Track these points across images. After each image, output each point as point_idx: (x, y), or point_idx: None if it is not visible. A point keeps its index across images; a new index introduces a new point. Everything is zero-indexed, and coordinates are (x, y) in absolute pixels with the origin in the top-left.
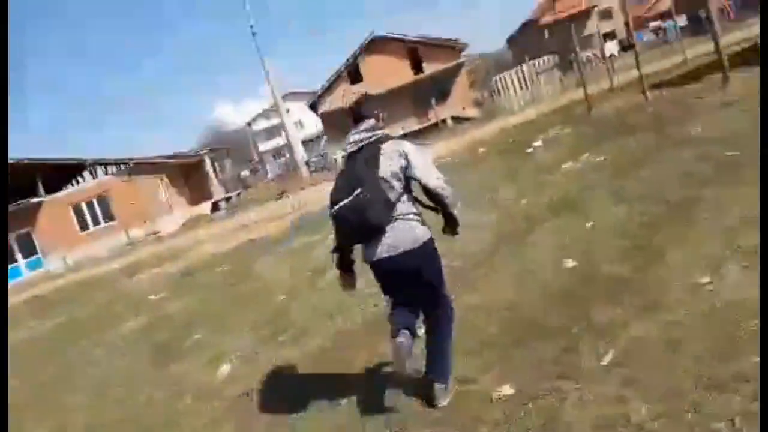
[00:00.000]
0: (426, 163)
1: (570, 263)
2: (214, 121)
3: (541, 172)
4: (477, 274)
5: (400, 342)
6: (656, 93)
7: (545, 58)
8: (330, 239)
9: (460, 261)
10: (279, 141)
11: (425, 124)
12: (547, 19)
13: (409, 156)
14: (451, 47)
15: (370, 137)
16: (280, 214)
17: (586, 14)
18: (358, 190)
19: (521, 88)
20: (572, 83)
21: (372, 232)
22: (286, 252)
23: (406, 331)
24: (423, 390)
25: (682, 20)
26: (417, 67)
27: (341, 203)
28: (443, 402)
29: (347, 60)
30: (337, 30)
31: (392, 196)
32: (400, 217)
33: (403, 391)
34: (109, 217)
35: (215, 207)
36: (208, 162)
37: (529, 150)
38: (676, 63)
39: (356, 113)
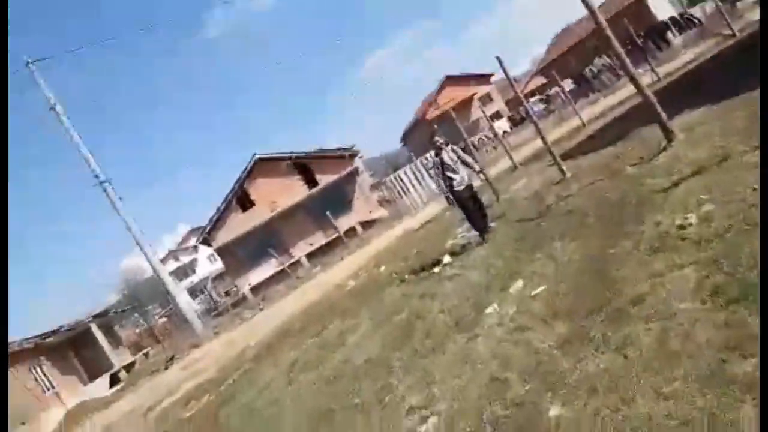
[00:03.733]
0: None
1: None
2: (126, 272)
3: (456, 330)
4: None
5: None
6: (571, 164)
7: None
8: None
9: None
10: (193, 279)
11: (331, 237)
12: (433, 113)
13: (457, 152)
14: (342, 156)
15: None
16: (162, 395)
17: (468, 102)
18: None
19: (419, 184)
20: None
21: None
22: None
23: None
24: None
25: (568, 84)
26: (311, 181)
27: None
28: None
29: (233, 187)
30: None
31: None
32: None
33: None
34: None
35: (114, 380)
36: (95, 329)
37: (437, 270)
38: (574, 128)
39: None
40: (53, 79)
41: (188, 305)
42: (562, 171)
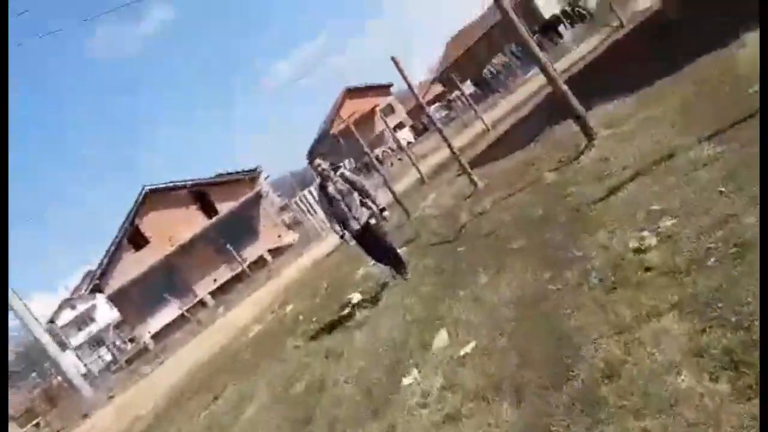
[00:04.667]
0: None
1: None
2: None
3: (367, 413)
4: None
5: None
6: (482, 172)
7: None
8: None
9: None
10: (92, 329)
11: (238, 270)
12: (337, 127)
13: (351, 180)
14: (242, 179)
15: None
16: None
17: (370, 115)
18: None
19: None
20: (378, 185)
21: None
22: None
23: None
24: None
25: (468, 87)
26: (210, 210)
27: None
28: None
29: (123, 225)
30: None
31: None
32: None
33: None
34: None
35: None
36: None
37: (346, 312)
38: (478, 133)
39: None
40: None
41: (75, 368)
42: (473, 182)
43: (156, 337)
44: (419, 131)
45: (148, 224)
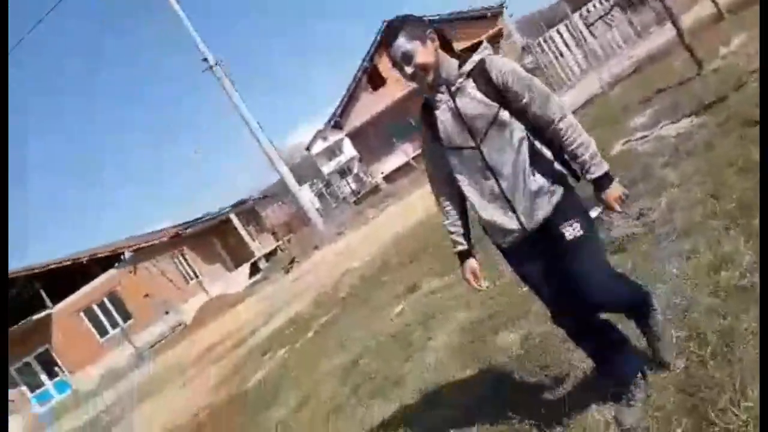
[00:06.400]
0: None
1: None
2: (290, 149)
3: None
4: None
5: None
6: None
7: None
8: None
9: None
10: (341, 159)
11: None
12: None
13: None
14: (483, 16)
15: None
16: (264, 316)
17: None
18: None
19: (576, 46)
20: (649, 24)
21: None
22: None
23: None
24: None
25: None
26: (447, 48)
27: None
28: None
29: (362, 63)
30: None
31: None
32: None
33: None
34: (124, 316)
35: (255, 269)
36: (235, 220)
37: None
38: None
39: None
40: None
41: (310, 203)
42: None
43: (387, 179)
44: None
45: (385, 63)
